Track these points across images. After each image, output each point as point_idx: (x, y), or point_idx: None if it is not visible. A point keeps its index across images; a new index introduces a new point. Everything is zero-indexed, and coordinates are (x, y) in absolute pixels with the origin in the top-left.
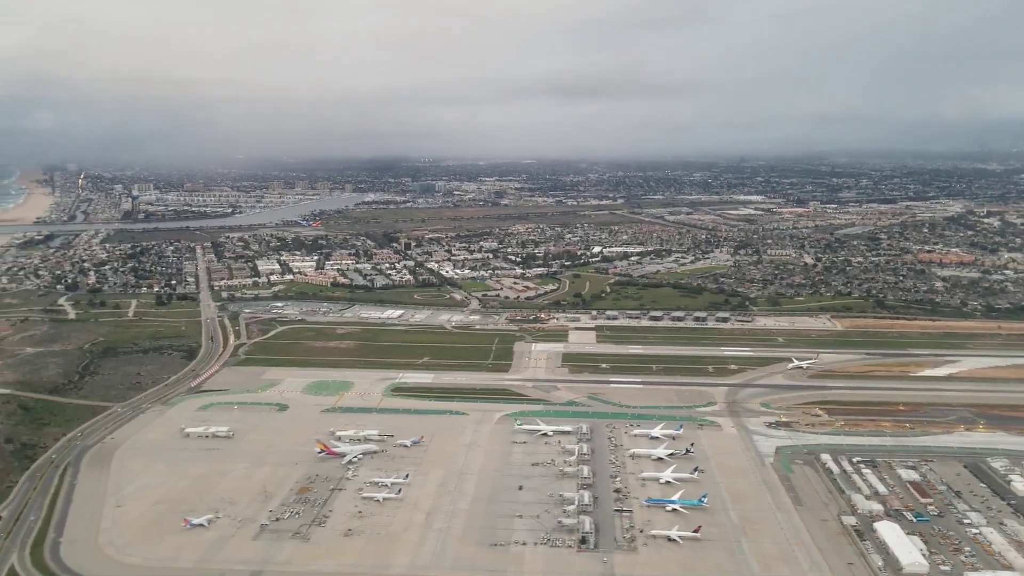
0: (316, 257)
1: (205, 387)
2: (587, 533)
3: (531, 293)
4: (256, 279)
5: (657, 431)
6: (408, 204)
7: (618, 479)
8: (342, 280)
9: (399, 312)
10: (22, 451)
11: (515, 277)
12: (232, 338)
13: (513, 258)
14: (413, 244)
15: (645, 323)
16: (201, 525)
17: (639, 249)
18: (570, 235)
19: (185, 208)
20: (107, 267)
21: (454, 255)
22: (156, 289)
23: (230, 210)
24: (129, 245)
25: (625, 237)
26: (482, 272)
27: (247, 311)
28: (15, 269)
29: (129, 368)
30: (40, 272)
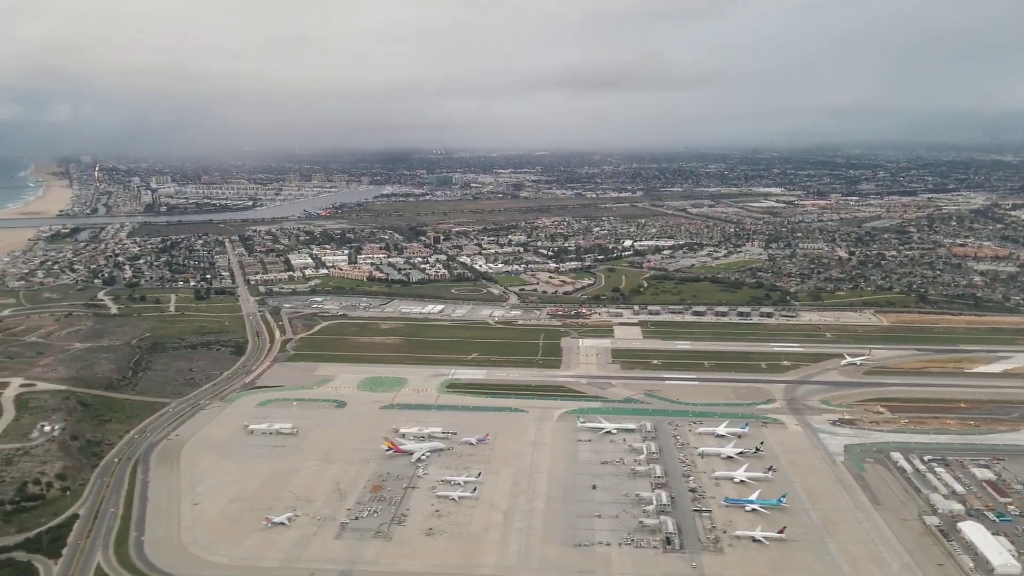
0: (347, 251)
1: (259, 383)
2: (671, 534)
3: (568, 288)
4: (291, 273)
5: (722, 429)
6: (427, 197)
7: (691, 478)
8: (378, 275)
9: (440, 307)
10: (88, 448)
11: (549, 272)
12: (277, 333)
13: (544, 252)
14: (442, 238)
15: (689, 318)
16: (282, 524)
17: (670, 243)
18: (598, 228)
19: (205, 201)
20: (141, 261)
21: (484, 249)
22: (193, 284)
23: (250, 203)
24: (159, 239)
25: (653, 231)
26: (516, 266)
27: (287, 306)
28: (48, 263)
29: (180, 364)
30: (75, 266)
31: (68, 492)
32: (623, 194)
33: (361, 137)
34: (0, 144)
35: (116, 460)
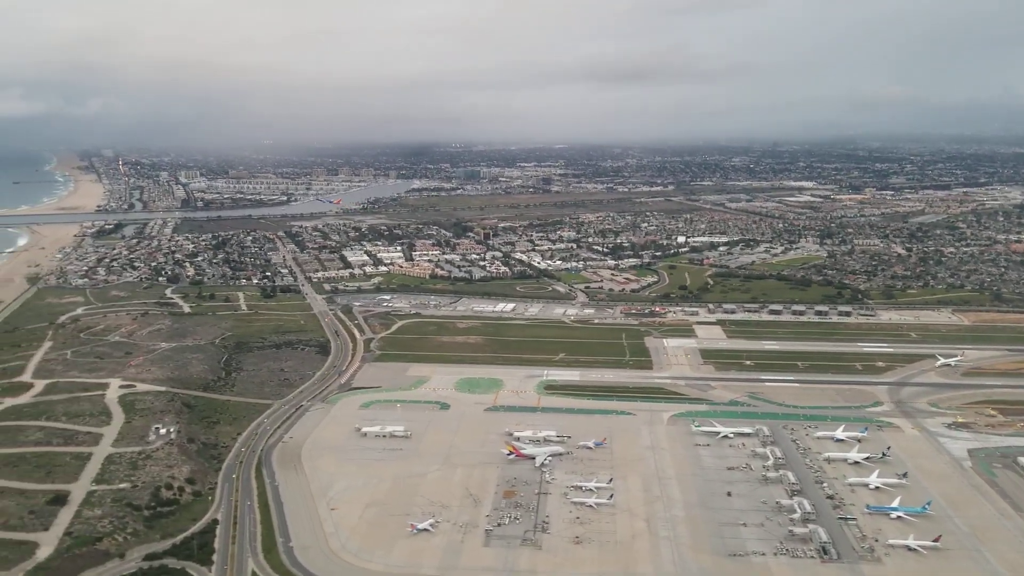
0: (400, 248)
1: (354, 384)
2: (826, 543)
3: (634, 285)
4: (351, 271)
5: (840, 433)
6: (458, 191)
7: (824, 485)
8: (440, 272)
9: (511, 306)
10: (205, 451)
11: (610, 268)
12: (357, 333)
13: (598, 248)
14: (491, 234)
15: (766, 317)
16: (426, 530)
17: (724, 239)
18: (645, 224)
19: (239, 196)
20: (200, 259)
21: (537, 245)
22: (255, 281)
23: (284, 198)
24: (210, 235)
25: (703, 226)
26: (574, 263)
27: (357, 304)
28: (107, 260)
29: (270, 364)
30: (136, 264)
31: (199, 496)
32: (654, 188)
33: (380, 130)
34: (21, 138)
35: (238, 463)
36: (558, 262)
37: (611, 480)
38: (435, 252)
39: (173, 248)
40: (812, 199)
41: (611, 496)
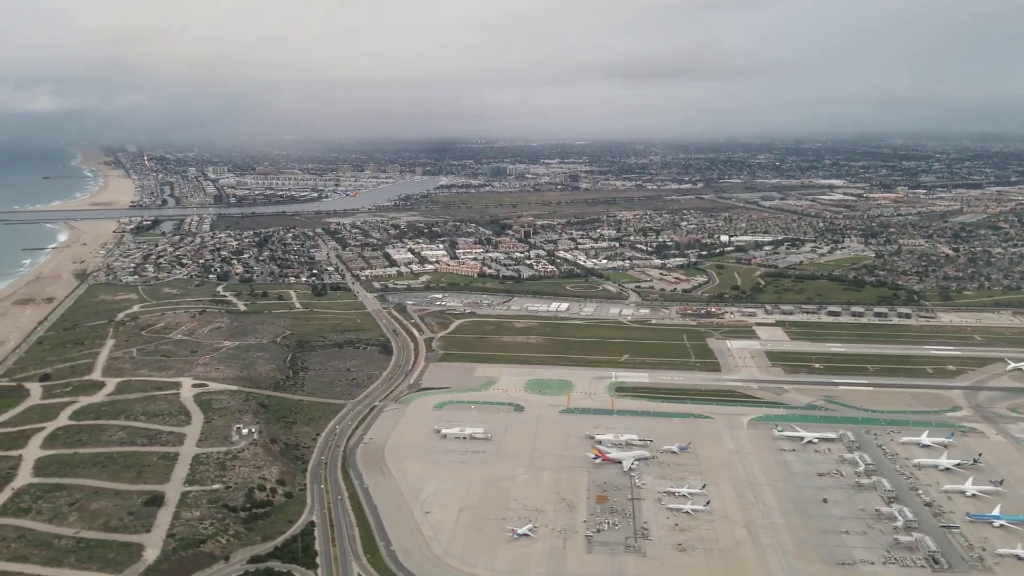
0: (441, 245)
1: (423, 384)
2: (934, 552)
3: (685, 285)
4: (398, 269)
5: (926, 439)
6: (487, 188)
7: (920, 491)
8: (488, 271)
9: (565, 305)
10: (288, 451)
11: (657, 268)
12: (415, 332)
13: (642, 247)
14: (531, 232)
15: (825, 318)
16: (526, 535)
17: (768, 238)
18: (685, 223)
19: (270, 192)
20: (246, 256)
21: (580, 243)
22: (303, 279)
23: (315, 194)
24: (252, 232)
25: (743, 225)
26: (621, 262)
27: (409, 303)
28: (154, 257)
29: (335, 363)
30: (183, 261)
31: (291, 498)
32: (683, 185)
33: (400, 126)
34: (44, 133)
35: (323, 464)
36: (604, 261)
37: (704, 486)
38: (478, 250)
39: (218, 245)
40: (845, 197)
41: (708, 502)
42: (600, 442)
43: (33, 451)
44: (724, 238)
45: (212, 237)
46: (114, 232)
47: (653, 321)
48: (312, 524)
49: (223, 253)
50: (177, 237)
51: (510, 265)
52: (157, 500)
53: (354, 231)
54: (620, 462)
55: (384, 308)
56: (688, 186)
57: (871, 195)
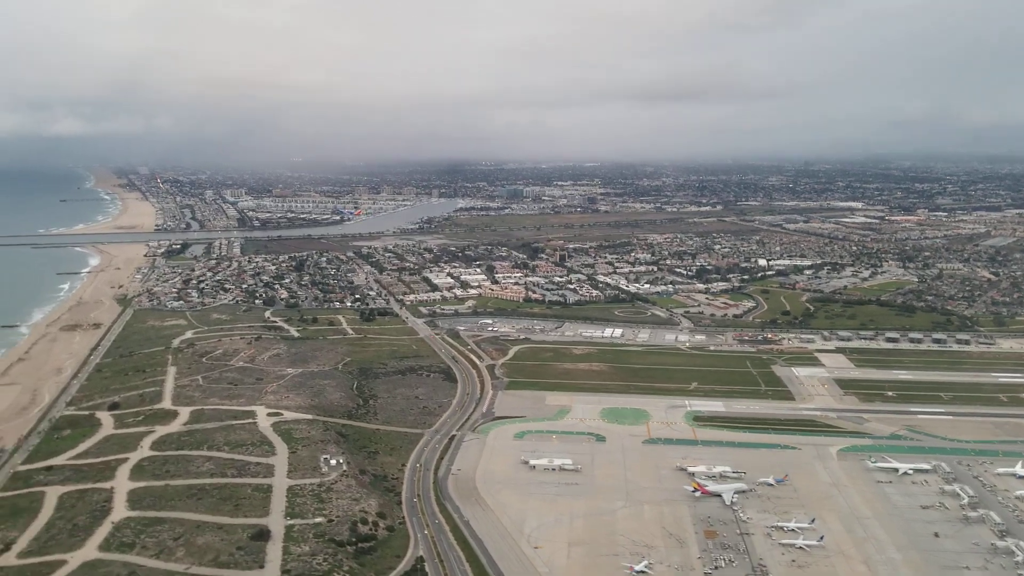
0: (479, 269)
1: (497, 413)
2: None
3: (735, 310)
4: (441, 294)
5: (1020, 469)
6: (506, 210)
7: None
8: (533, 296)
9: (619, 331)
10: (378, 483)
11: (702, 292)
12: (474, 359)
13: (681, 271)
14: (566, 255)
15: (884, 345)
16: (643, 572)
17: (806, 262)
18: (718, 246)
19: (291, 215)
20: (287, 280)
21: (617, 267)
22: (349, 304)
23: (336, 217)
24: (288, 256)
25: (777, 248)
26: (664, 287)
27: (461, 328)
28: (195, 282)
29: (402, 391)
30: (226, 286)
31: (393, 531)
32: (702, 208)
33: (410, 148)
34: (55, 155)
35: (416, 496)
36: (647, 285)
37: (814, 520)
38: (518, 274)
39: (257, 270)
40: (867, 220)
41: (821, 537)
42: (693, 474)
43: (123, 483)
44: (762, 262)
45: (249, 262)
46: (145, 256)
47: (711, 348)
48: (421, 559)
49: (264, 278)
50: (213, 261)
51: (553, 290)
52: (263, 534)
53: (388, 255)
54: (719, 495)
55: (436, 334)
56: (707, 208)
57: (892, 217)
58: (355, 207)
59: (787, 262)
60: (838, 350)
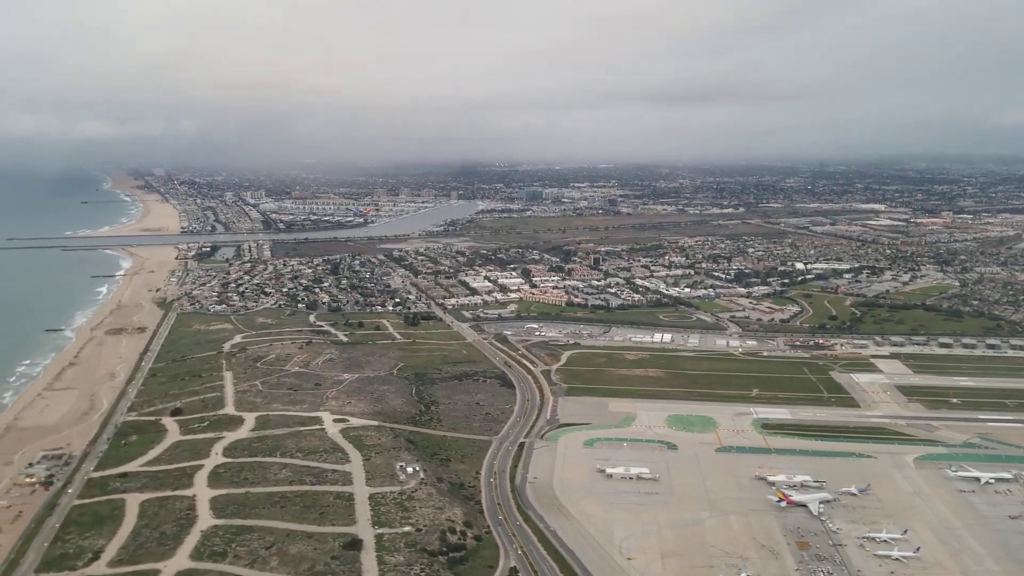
0: (516, 273)
1: (561, 420)
2: None
3: (782, 315)
4: (482, 298)
5: None
6: (528, 213)
7: None
8: (575, 300)
9: (669, 336)
10: (455, 491)
11: (743, 296)
12: (528, 364)
13: (719, 275)
14: (600, 259)
15: (938, 350)
16: None
17: (845, 266)
18: (752, 249)
19: (314, 217)
20: (326, 284)
21: (654, 271)
22: (390, 308)
23: (360, 219)
24: (322, 259)
25: (812, 252)
26: (705, 291)
27: (508, 333)
28: (233, 285)
29: (461, 397)
30: (266, 289)
31: (480, 541)
32: (724, 210)
33: (423, 149)
34: (70, 158)
35: (496, 504)
36: (687, 289)
37: (906, 531)
38: (555, 278)
39: (294, 273)
40: (892, 222)
41: (917, 549)
42: (773, 484)
43: (202, 490)
44: (799, 265)
45: (284, 265)
46: (176, 259)
47: (764, 353)
48: (515, 570)
49: (302, 282)
50: (248, 264)
51: (593, 294)
52: (355, 543)
53: (420, 258)
54: (805, 505)
55: (483, 338)
56: (729, 210)
57: (918, 220)
58: (376, 208)
59: (824, 266)
60: (892, 355)
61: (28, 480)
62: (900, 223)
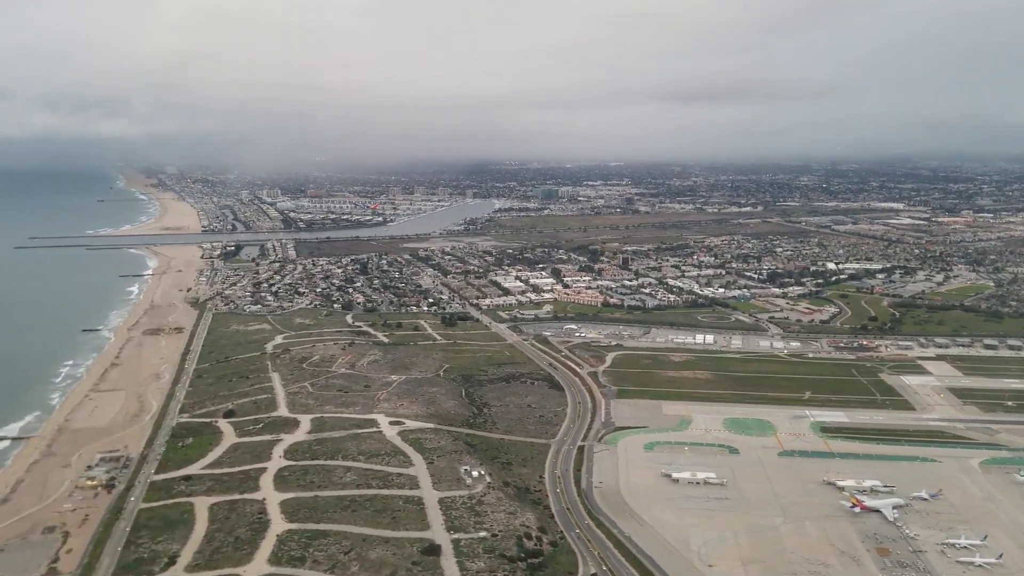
0: (545, 273)
1: (616, 423)
2: None
3: (820, 316)
4: (516, 298)
5: None
6: (546, 211)
7: None
8: (611, 300)
9: (711, 337)
10: (522, 495)
11: (779, 297)
12: (572, 365)
13: (751, 275)
14: (629, 258)
15: (984, 352)
16: None
17: (877, 266)
18: (779, 249)
19: (333, 216)
20: (358, 284)
21: (685, 271)
22: (424, 308)
23: (379, 219)
24: (350, 259)
25: (841, 252)
26: (740, 291)
27: (547, 334)
28: (266, 286)
29: (511, 399)
30: (300, 289)
31: (556, 547)
32: (743, 208)
33: (434, 148)
34: (82, 156)
35: (565, 509)
36: (720, 289)
37: (985, 537)
38: (586, 278)
39: (325, 273)
40: (913, 221)
41: (1000, 555)
42: (843, 488)
43: (270, 493)
44: (831, 265)
45: (313, 264)
46: (201, 258)
47: (810, 355)
48: None
49: (335, 282)
50: (277, 264)
51: (628, 294)
52: (434, 549)
53: (447, 258)
54: (878, 511)
55: (523, 339)
56: (748, 209)
57: (939, 219)
58: (394, 207)
59: (856, 266)
60: (938, 357)
61: (90, 483)
62: (921, 222)
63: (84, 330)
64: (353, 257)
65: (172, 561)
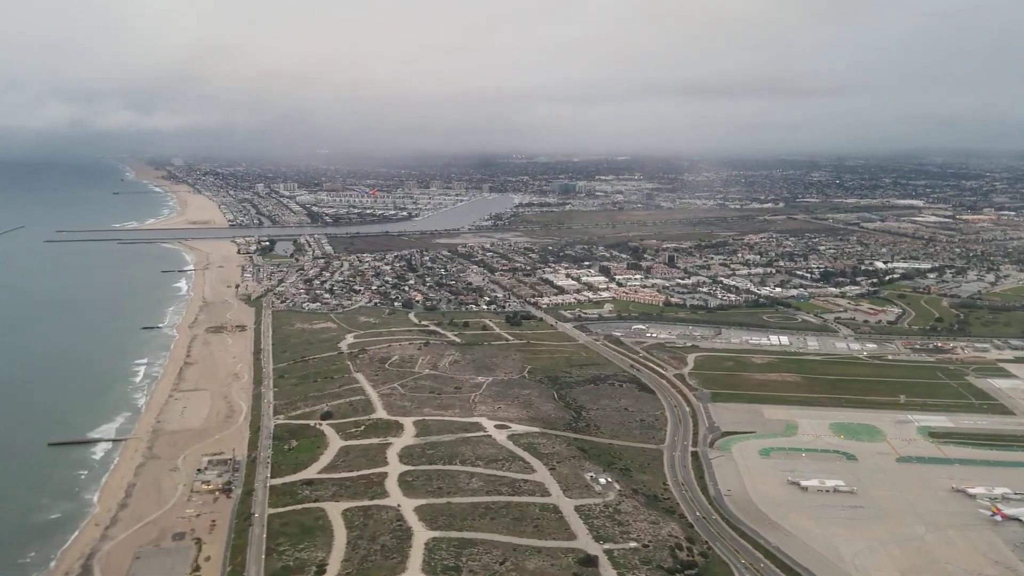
0: (593, 271)
1: (722, 428)
2: None
3: (886, 316)
4: (574, 296)
5: None
6: (568, 206)
7: None
8: (673, 300)
9: (787, 339)
10: (652, 504)
11: (837, 296)
12: (654, 367)
13: (801, 273)
14: (674, 256)
15: None
16: None
17: (927, 265)
18: (822, 247)
19: (356, 210)
20: (410, 281)
21: (735, 269)
22: (483, 307)
23: (404, 214)
24: (394, 255)
25: (884, 250)
26: (798, 291)
27: (617, 333)
28: (317, 282)
29: (605, 402)
30: (355, 287)
31: (707, 557)
32: (764, 204)
33: (439, 142)
34: (88, 148)
35: (699, 518)
36: (777, 289)
37: None
38: (638, 276)
39: (375, 270)
40: (938, 219)
41: None
42: (974, 496)
43: (400, 499)
44: (880, 264)
45: (359, 261)
46: (237, 253)
47: (889, 357)
48: None
49: (388, 279)
50: (322, 260)
51: (687, 293)
52: (591, 560)
53: (490, 255)
54: (1018, 519)
55: (594, 339)
56: (769, 205)
57: (964, 216)
58: (414, 202)
59: (906, 265)
60: (1017, 360)
61: (206, 487)
62: (947, 219)
63: (144, 328)
64: (396, 253)
65: (321, 570)
